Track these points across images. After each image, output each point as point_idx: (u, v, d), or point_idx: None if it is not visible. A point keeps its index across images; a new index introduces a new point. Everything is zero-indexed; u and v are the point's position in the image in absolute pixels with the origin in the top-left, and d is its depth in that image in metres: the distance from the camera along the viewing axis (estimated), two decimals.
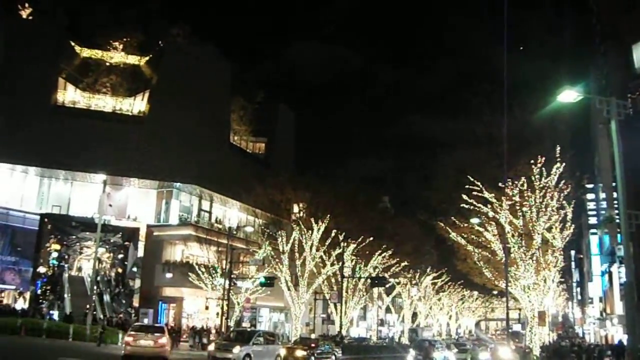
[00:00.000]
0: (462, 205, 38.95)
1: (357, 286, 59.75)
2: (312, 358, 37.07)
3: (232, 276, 48.19)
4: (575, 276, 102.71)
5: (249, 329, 41.65)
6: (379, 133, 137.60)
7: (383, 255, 60.36)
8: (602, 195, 61.86)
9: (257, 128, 74.57)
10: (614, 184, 42.66)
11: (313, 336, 51.36)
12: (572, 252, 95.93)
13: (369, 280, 57.73)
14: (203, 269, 49.32)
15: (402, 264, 65.78)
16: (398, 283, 73.53)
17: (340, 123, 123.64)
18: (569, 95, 20.81)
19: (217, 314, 48.72)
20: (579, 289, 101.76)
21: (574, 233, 43.68)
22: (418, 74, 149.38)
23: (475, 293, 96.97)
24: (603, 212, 60.68)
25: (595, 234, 72.03)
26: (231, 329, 43.32)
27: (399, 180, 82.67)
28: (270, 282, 48.33)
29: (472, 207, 38.62)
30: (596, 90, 44.79)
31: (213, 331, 51.41)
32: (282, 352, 36.88)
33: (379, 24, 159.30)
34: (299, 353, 36.03)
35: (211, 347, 32.50)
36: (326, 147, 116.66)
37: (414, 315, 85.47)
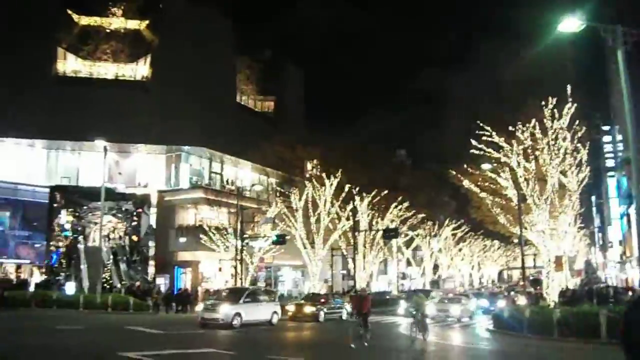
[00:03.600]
0: (471, 151, 37.88)
1: (374, 240, 59.24)
2: (322, 313, 36.42)
3: (245, 236, 47.73)
4: (597, 221, 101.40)
5: (241, 287, 40.33)
6: (392, 88, 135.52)
7: (399, 207, 59.67)
8: (619, 137, 60.45)
9: (265, 87, 73.78)
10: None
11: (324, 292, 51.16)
12: (593, 198, 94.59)
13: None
14: (214, 231, 48.74)
15: (419, 216, 65.27)
16: (417, 235, 73.02)
17: (351, 80, 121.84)
18: (570, 24, 19.66)
19: (232, 275, 48.30)
20: (600, 234, 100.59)
21: (593, 177, 42.81)
22: (429, 29, 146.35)
23: (497, 242, 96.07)
24: (620, 154, 59.36)
25: (613, 176, 70.84)
26: (224, 288, 42.69)
27: (414, 133, 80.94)
28: (282, 239, 47.67)
29: (482, 152, 37.57)
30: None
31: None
32: (291, 308, 36.57)
33: None
34: (308, 309, 35.54)
35: (198, 308, 31.92)
36: (337, 104, 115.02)
37: (436, 267, 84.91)
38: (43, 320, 30.83)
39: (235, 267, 46.49)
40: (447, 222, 77.62)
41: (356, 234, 56.38)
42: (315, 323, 35.00)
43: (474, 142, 37.42)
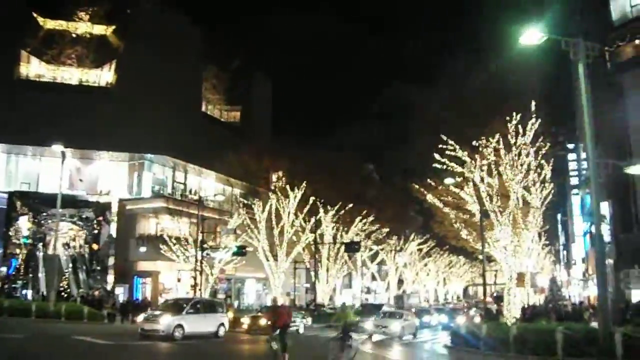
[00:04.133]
0: (434, 165, 37.66)
1: (338, 253, 58.91)
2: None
3: (205, 247, 47.04)
4: (562, 239, 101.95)
5: (185, 298, 38.99)
6: (361, 101, 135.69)
7: (364, 221, 59.42)
8: (584, 154, 60.77)
9: (232, 96, 73.23)
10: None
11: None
12: (559, 215, 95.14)
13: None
14: (174, 241, 47.99)
15: (384, 230, 65.12)
16: (382, 250, 72.81)
17: (320, 92, 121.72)
18: (532, 36, 19.44)
19: (192, 286, 47.57)
20: (565, 252, 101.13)
21: (558, 195, 42.79)
22: (397, 42, 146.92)
23: (462, 258, 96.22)
24: (585, 172, 59.66)
25: (577, 194, 71.11)
26: (166, 300, 41.71)
27: (382, 147, 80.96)
28: (243, 251, 47.04)
29: (445, 166, 37.34)
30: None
31: None
32: (246, 320, 35.93)
33: None
34: (263, 322, 34.84)
35: (139, 319, 30.94)
36: (305, 116, 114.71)
37: (401, 282, 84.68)
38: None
39: (195, 278, 45.72)
40: (412, 237, 77.43)
41: (320, 246, 56.13)
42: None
43: (437, 156, 37.16)
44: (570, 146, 68.58)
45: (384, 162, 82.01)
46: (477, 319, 39.31)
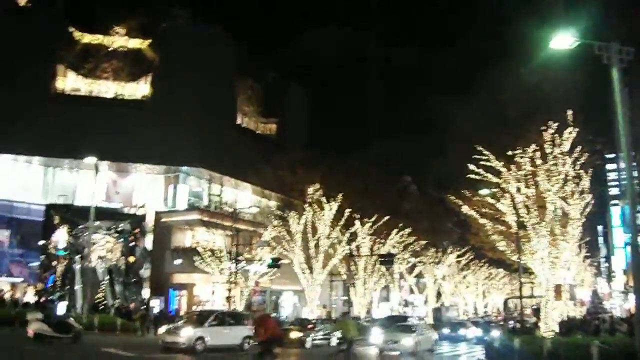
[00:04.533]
0: (468, 176, 37.03)
1: (375, 266, 58.33)
2: (309, 339, 35.26)
3: (240, 259, 46.93)
4: (604, 251, 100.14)
5: (210, 310, 38.61)
6: (398, 113, 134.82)
7: (400, 234, 58.82)
8: (623, 164, 59.45)
9: (268, 109, 73.28)
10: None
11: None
12: (600, 227, 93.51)
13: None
14: (209, 253, 47.95)
15: (421, 242, 64.40)
16: (420, 262, 72.04)
17: (356, 105, 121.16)
18: (562, 41, 18.86)
19: (226, 298, 47.43)
20: (607, 264, 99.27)
21: (598, 206, 41.77)
22: (434, 56, 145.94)
23: (502, 271, 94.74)
24: (625, 182, 58.32)
25: (617, 205, 69.68)
26: (192, 312, 41.34)
27: (420, 159, 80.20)
28: (277, 263, 46.81)
29: (480, 177, 36.71)
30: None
31: None
32: None
33: (394, 7, 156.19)
34: (293, 335, 34.43)
35: (161, 331, 30.46)
36: (342, 129, 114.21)
37: (439, 295, 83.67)
38: (18, 339, 29.61)
39: (230, 290, 45.61)
40: (450, 249, 76.46)
41: (356, 259, 55.65)
42: (301, 349, 34.00)
43: (471, 167, 36.55)
44: (610, 156, 67.31)
45: (421, 174, 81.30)
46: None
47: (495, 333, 39.74)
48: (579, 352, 20.81)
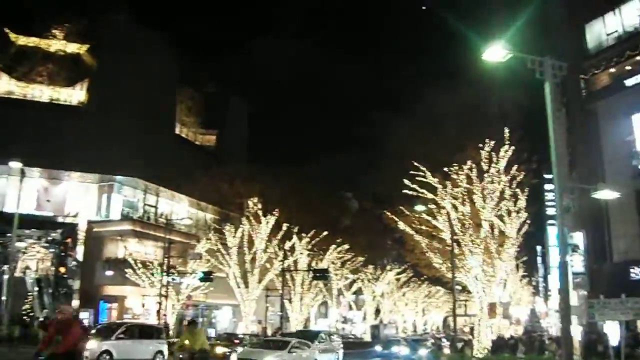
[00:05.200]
0: (403, 191, 36.77)
1: (312, 281, 57.64)
2: (234, 355, 34.06)
3: (172, 272, 45.82)
4: (542, 270, 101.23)
5: (119, 322, 36.88)
6: (339, 128, 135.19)
7: (338, 249, 58.31)
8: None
9: (208, 120, 72.51)
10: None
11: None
12: (539, 247, 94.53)
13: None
14: (140, 265, 46.77)
15: (359, 259, 63.97)
16: (358, 279, 71.56)
17: (298, 119, 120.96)
18: (495, 53, 18.44)
19: (157, 311, 46.23)
20: (545, 284, 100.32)
21: (535, 225, 41.94)
22: (375, 69, 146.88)
23: (441, 289, 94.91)
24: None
25: (553, 224, 70.25)
26: (99, 324, 39.66)
27: (360, 175, 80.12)
28: (209, 277, 45.81)
29: (415, 193, 36.46)
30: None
31: None
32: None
33: (339, 23, 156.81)
34: (219, 350, 33.41)
35: None
36: (283, 143, 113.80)
37: (378, 312, 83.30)
38: None
39: (160, 303, 44.44)
40: (389, 266, 76.15)
41: (294, 274, 54.93)
42: None
43: (407, 182, 36.29)
44: (548, 176, 67.93)
45: (361, 190, 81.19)
46: (446, 351, 38.03)
47: (423, 352, 39.15)
48: None
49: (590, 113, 40.62)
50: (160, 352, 29.59)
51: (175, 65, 65.62)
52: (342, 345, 39.88)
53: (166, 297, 44.60)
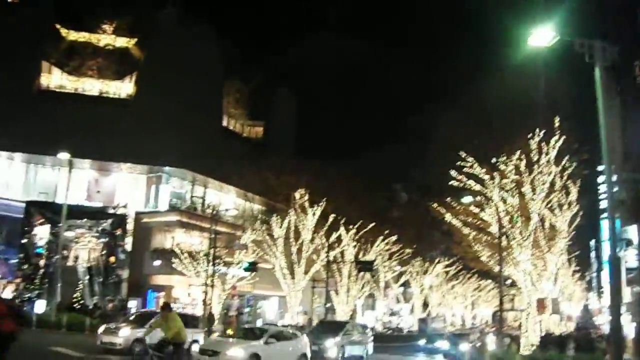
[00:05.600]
0: (449, 183, 36.12)
1: (359, 273, 57.29)
2: (195, 346, 33.11)
3: (219, 262, 45.92)
4: (595, 266, 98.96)
5: (152, 311, 34.20)
6: (388, 122, 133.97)
7: (386, 241, 57.88)
8: (615, 177, 58.37)
9: (255, 111, 72.60)
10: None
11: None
12: (592, 242, 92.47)
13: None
14: (187, 255, 47.09)
15: (407, 251, 63.40)
16: (406, 271, 71.01)
17: (347, 111, 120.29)
18: (542, 37, 17.73)
19: (203, 301, 46.49)
20: (598, 279, 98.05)
21: (588, 218, 40.82)
22: (425, 65, 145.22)
23: (491, 282, 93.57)
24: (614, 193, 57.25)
25: (606, 218, 68.53)
26: (131, 313, 39.40)
27: (411, 167, 79.32)
28: (254, 267, 45.82)
29: (462, 184, 35.77)
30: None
31: None
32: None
33: (387, 15, 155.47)
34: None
35: (100, 330, 28.46)
36: (331, 135, 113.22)
37: (426, 305, 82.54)
38: None
39: (206, 293, 44.60)
40: (438, 259, 75.34)
41: (340, 265, 54.69)
42: None
43: (453, 173, 35.64)
44: (601, 167, 66.33)
45: (408, 182, 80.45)
46: (492, 347, 37.11)
47: (464, 347, 38.25)
48: None
49: None
50: (196, 340, 28.77)
51: (222, 57, 65.93)
52: (372, 339, 38.71)
53: (212, 286, 44.75)
